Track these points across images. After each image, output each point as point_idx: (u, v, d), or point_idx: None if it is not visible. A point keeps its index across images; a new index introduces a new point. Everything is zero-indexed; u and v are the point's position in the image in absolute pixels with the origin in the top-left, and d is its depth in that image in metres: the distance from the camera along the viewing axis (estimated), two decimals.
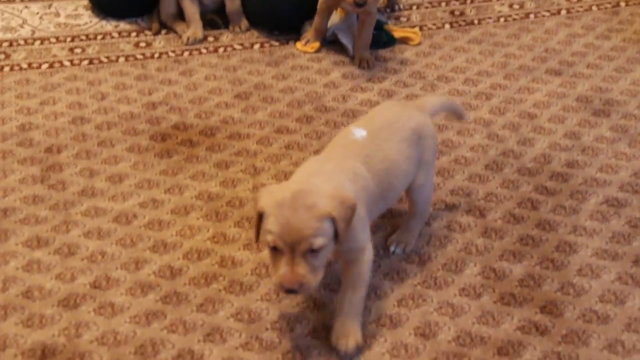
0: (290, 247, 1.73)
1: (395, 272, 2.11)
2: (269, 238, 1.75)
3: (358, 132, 2.03)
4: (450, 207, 2.33)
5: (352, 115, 2.68)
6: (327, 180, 1.85)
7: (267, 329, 1.94)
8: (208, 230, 2.23)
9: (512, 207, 2.34)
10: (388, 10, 3.33)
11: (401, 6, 3.24)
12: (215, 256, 2.14)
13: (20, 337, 1.90)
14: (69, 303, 2.00)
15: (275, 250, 1.76)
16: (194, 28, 3.09)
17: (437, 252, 2.18)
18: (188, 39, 3.06)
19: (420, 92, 2.81)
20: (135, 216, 2.27)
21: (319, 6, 2.91)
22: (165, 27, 3.16)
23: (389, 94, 2.80)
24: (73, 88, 2.81)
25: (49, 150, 2.51)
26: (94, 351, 1.87)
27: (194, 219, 2.27)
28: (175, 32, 3.13)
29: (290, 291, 1.76)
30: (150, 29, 3.14)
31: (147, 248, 2.17)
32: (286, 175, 2.41)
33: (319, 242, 1.74)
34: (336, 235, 1.79)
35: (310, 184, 1.82)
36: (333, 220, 1.77)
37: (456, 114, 2.39)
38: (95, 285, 2.05)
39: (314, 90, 2.82)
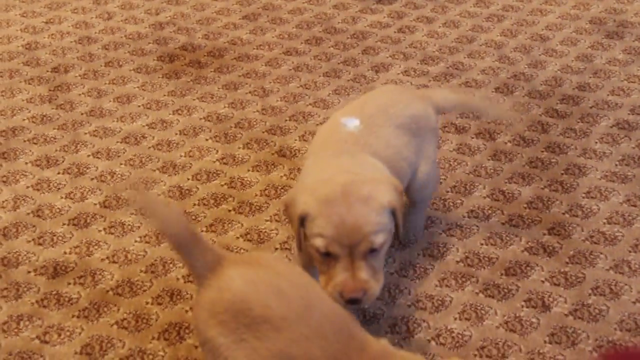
0: (348, 250, 1.51)
1: None
2: (319, 243, 1.52)
3: (350, 122, 1.77)
4: (460, 130, 2.34)
5: (361, 37, 2.68)
6: (368, 169, 1.65)
7: (276, 249, 1.97)
8: (217, 152, 2.25)
9: (522, 129, 2.34)
10: None
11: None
12: (225, 177, 2.16)
13: (32, 254, 1.94)
14: (80, 222, 2.02)
15: (327, 256, 1.52)
16: None
17: (447, 174, 2.19)
18: None
19: (430, 14, 2.80)
20: (144, 137, 2.29)
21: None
22: None
23: (399, 16, 2.79)
24: (79, 7, 2.80)
25: (55, 69, 2.52)
26: (105, 269, 1.90)
27: (203, 140, 2.28)
28: None
29: (353, 301, 1.52)
30: None
31: (156, 168, 2.19)
32: (294, 97, 2.42)
33: (380, 239, 1.52)
34: (395, 229, 1.60)
35: (358, 173, 1.60)
36: (393, 211, 1.56)
37: (476, 112, 2.07)
38: (105, 205, 2.07)
39: (323, 12, 2.81)
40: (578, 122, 2.37)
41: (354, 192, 1.51)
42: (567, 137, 2.32)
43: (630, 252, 1.99)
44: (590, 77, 2.54)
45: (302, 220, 1.55)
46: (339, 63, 2.58)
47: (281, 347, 1.40)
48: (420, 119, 1.85)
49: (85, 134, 2.29)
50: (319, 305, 1.42)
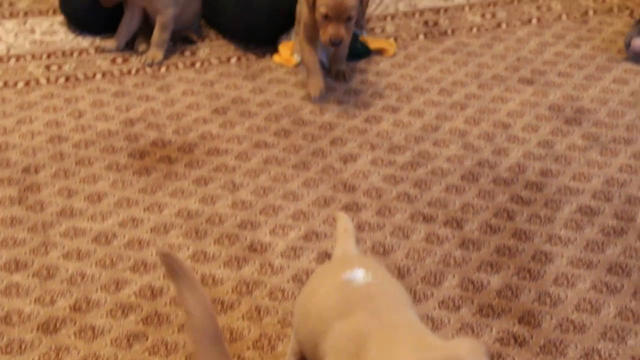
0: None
1: None
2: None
3: None
4: (428, 219, 2.30)
5: (329, 128, 2.65)
6: None
7: (248, 348, 1.91)
8: (188, 249, 2.20)
9: (488, 217, 2.32)
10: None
11: (365, 28, 3.20)
12: (196, 275, 2.10)
13: None
14: (49, 327, 1.95)
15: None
16: (155, 50, 3.02)
17: (416, 265, 2.15)
18: (146, 59, 3.00)
19: (396, 104, 2.78)
20: (114, 236, 2.23)
21: (302, 39, 2.84)
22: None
23: (365, 106, 2.77)
24: (50, 106, 2.76)
25: (26, 170, 2.46)
26: None
27: (174, 237, 2.23)
28: (136, 50, 3.08)
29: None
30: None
31: (127, 268, 2.13)
32: (264, 191, 2.38)
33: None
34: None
35: None
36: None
37: None
38: (75, 308, 2.00)
39: (291, 104, 2.79)
40: (542, 208, 2.35)
41: None
42: (533, 223, 2.29)
43: (599, 340, 1.96)
44: (552, 163, 2.52)
45: None
46: (307, 154, 2.54)
47: None
48: None
49: (56, 235, 2.23)
50: None
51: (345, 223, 1.85)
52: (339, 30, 2.59)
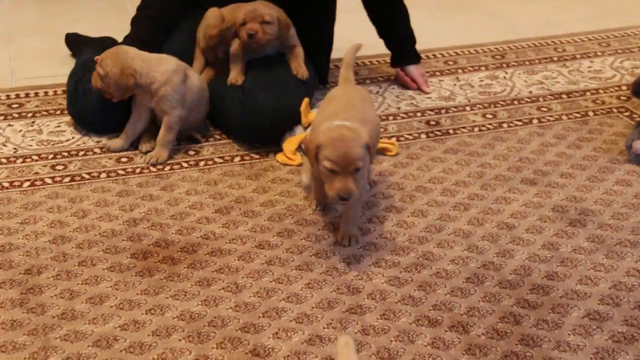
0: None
1: None
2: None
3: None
4: (434, 323, 2.26)
5: (332, 229, 2.63)
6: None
7: None
8: (190, 352, 2.14)
9: (494, 321, 2.27)
10: None
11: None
12: None
13: None
14: None
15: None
16: (160, 150, 3.02)
17: None
18: (151, 159, 3.00)
19: (399, 204, 2.77)
20: (115, 339, 2.18)
21: (313, 176, 2.68)
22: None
23: (368, 206, 2.76)
24: (54, 206, 2.74)
25: (28, 271, 2.43)
26: None
27: (176, 341, 2.18)
28: (140, 150, 3.08)
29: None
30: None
31: None
32: (268, 293, 2.34)
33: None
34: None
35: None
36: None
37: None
38: None
39: (294, 203, 2.78)
40: (550, 313, 2.31)
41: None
42: (540, 328, 2.25)
43: None
44: (557, 266, 2.49)
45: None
46: (310, 255, 2.52)
47: None
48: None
49: (56, 338, 2.17)
50: None
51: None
52: (347, 183, 2.32)
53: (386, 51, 3.60)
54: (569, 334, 2.23)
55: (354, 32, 3.51)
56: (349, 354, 1.83)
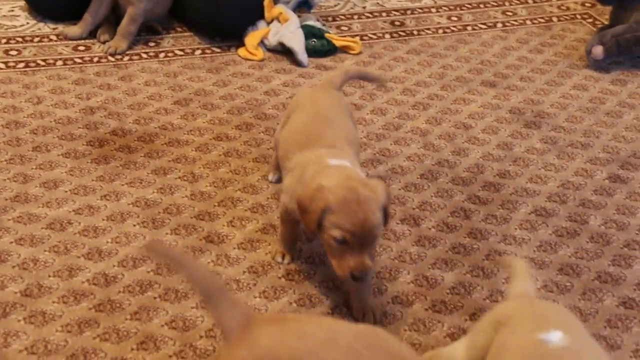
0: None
1: (330, 280, 2.08)
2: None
3: None
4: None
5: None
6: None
7: (201, 337, 1.91)
8: (144, 237, 2.19)
9: (445, 215, 2.33)
10: (330, 19, 3.31)
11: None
12: (151, 263, 2.10)
13: None
14: None
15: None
16: (120, 39, 3.01)
17: None
18: (109, 48, 2.99)
19: (359, 101, 2.80)
20: (69, 223, 2.22)
21: (281, 217, 2.14)
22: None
23: None
24: (7, 91, 2.74)
25: None
26: None
27: (130, 226, 2.23)
28: (98, 38, 3.06)
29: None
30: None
31: (81, 255, 2.12)
32: (224, 183, 2.38)
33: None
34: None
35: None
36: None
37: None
38: (26, 294, 1.98)
39: (254, 98, 2.80)
40: (499, 208, 2.37)
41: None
42: (488, 223, 2.32)
43: None
44: (510, 165, 2.55)
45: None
46: (268, 149, 2.55)
47: None
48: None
49: (9, 220, 2.21)
50: (344, 332, 1.45)
51: (521, 264, 1.82)
52: (363, 259, 1.80)
53: None
54: (516, 229, 2.31)
55: None
56: (527, 280, 1.76)
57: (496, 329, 1.61)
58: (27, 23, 3.16)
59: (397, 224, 2.28)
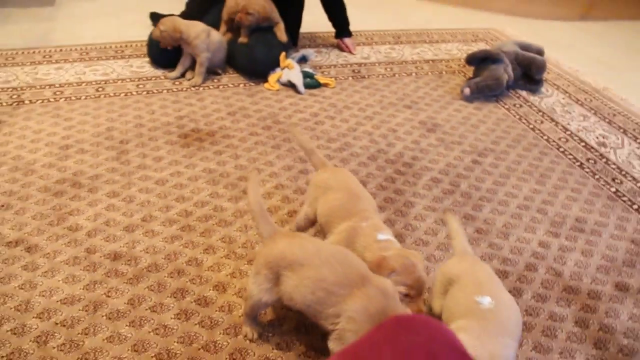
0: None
1: None
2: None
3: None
4: None
5: (294, 126, 2.64)
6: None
7: (239, 247, 1.91)
8: (208, 191, 2.18)
9: (381, 181, 2.33)
10: (317, 67, 3.29)
11: None
12: (210, 205, 2.09)
13: None
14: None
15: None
16: (197, 78, 2.98)
17: None
18: (189, 81, 2.97)
19: (333, 114, 2.79)
20: (167, 180, 2.21)
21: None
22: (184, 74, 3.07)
23: (315, 115, 2.77)
24: (137, 107, 2.73)
25: (121, 142, 2.44)
26: None
27: (201, 184, 2.21)
28: (186, 78, 3.04)
29: None
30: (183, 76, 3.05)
31: (173, 199, 2.11)
32: (254, 160, 2.37)
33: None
34: None
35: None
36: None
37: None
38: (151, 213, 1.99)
39: (273, 111, 2.78)
40: (411, 177, 2.37)
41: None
42: (405, 185, 2.32)
43: (435, 249, 1.99)
44: (418, 153, 2.54)
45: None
46: (280, 141, 2.54)
47: (305, 274, 1.41)
48: None
49: (136, 179, 2.20)
50: (326, 250, 1.43)
51: (456, 222, 1.67)
52: (420, 307, 1.53)
53: (332, 29, 3.56)
54: (420, 189, 2.30)
55: (314, 16, 3.47)
56: (462, 238, 1.65)
57: (450, 284, 1.52)
58: (149, 69, 3.12)
59: None
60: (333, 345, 1.39)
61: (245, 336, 1.60)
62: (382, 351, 0.76)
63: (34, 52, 3.20)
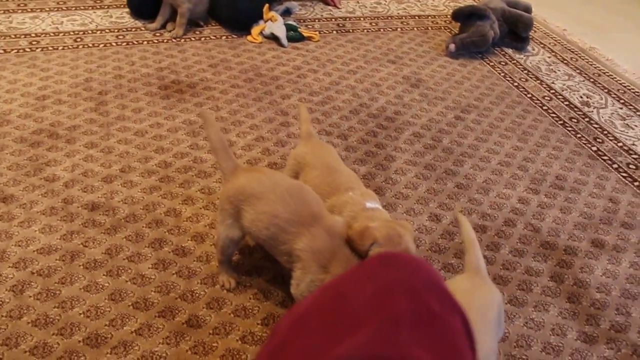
0: None
1: None
2: None
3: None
4: (329, 134, 2.29)
5: (276, 79, 2.60)
6: (375, 199, 1.59)
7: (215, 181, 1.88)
8: (188, 142, 2.15)
9: (363, 135, 2.31)
10: (301, 20, 3.21)
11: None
12: (190, 157, 2.07)
13: None
14: None
15: None
16: (178, 29, 2.89)
17: None
18: (170, 33, 2.89)
19: (316, 68, 2.74)
20: (146, 132, 2.17)
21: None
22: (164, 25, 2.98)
23: (298, 69, 2.72)
24: (116, 58, 2.65)
25: (101, 93, 2.38)
26: None
27: (180, 135, 2.18)
28: (167, 29, 2.95)
29: None
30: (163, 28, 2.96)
31: (152, 150, 2.08)
32: (235, 112, 2.33)
33: None
34: None
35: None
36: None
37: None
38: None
39: (255, 64, 2.73)
40: (393, 132, 2.35)
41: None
42: (387, 139, 2.30)
43: (415, 203, 1.98)
44: (401, 108, 2.52)
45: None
46: (262, 93, 2.50)
47: (261, 208, 1.40)
48: None
49: (115, 129, 2.16)
50: (283, 184, 1.42)
51: (471, 230, 1.50)
52: None
53: None
54: (402, 143, 2.28)
55: None
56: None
57: None
58: (129, 20, 3.03)
59: (334, 139, 2.26)
60: (292, 289, 1.41)
61: (222, 286, 1.59)
62: (363, 288, 0.74)
63: (7, 0, 3.08)
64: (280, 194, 1.39)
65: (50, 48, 2.67)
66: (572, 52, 3.20)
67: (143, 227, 1.77)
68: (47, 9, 3.03)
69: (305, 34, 3.03)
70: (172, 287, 1.59)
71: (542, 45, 3.24)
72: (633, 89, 2.88)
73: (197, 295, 1.58)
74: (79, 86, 2.41)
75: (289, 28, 2.99)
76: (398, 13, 3.49)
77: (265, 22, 3.00)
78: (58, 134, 2.11)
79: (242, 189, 1.43)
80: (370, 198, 1.56)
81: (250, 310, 1.55)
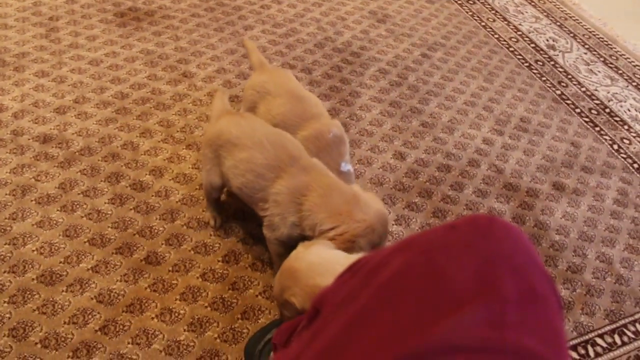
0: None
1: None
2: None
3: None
4: (292, 67, 2.20)
5: (238, 9, 2.46)
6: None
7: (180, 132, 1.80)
8: (145, 72, 2.03)
9: (327, 69, 2.23)
10: None
11: None
12: (148, 87, 1.95)
13: None
14: None
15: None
16: None
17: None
18: None
19: (291, 17, 2.59)
20: (102, 61, 2.05)
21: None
22: None
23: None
24: None
25: (50, 18, 2.21)
26: None
27: (137, 65, 2.06)
28: None
29: None
30: None
31: (108, 81, 1.96)
32: (195, 42, 2.21)
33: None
34: None
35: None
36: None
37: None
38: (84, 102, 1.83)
39: None
40: (358, 67, 2.28)
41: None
42: (352, 75, 2.23)
43: (380, 141, 1.94)
44: (367, 43, 2.43)
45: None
46: (223, 23, 2.37)
47: (238, 155, 1.35)
48: None
49: (67, 57, 2.02)
50: (261, 130, 1.37)
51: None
52: None
53: None
54: (367, 79, 2.22)
55: None
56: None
57: None
58: None
59: (298, 72, 2.17)
60: (266, 231, 1.35)
61: (209, 223, 1.56)
62: (462, 260, 0.64)
63: None
64: (257, 139, 1.33)
65: None
66: None
67: (99, 160, 1.67)
68: None
69: None
70: (129, 223, 1.53)
71: None
72: (598, 34, 2.85)
73: (155, 231, 1.52)
74: (27, 10, 2.23)
75: None
76: None
77: None
78: (5, 61, 1.96)
79: (220, 134, 1.38)
80: (335, 127, 1.51)
81: (210, 247, 1.50)
